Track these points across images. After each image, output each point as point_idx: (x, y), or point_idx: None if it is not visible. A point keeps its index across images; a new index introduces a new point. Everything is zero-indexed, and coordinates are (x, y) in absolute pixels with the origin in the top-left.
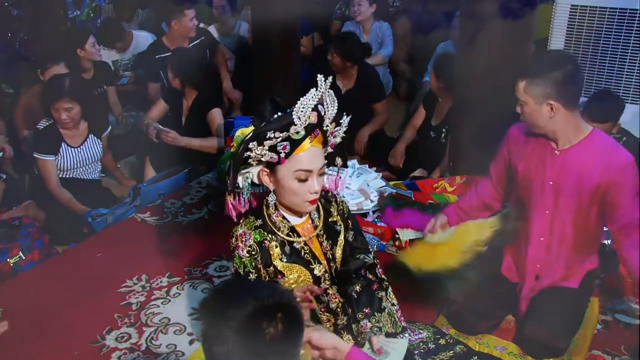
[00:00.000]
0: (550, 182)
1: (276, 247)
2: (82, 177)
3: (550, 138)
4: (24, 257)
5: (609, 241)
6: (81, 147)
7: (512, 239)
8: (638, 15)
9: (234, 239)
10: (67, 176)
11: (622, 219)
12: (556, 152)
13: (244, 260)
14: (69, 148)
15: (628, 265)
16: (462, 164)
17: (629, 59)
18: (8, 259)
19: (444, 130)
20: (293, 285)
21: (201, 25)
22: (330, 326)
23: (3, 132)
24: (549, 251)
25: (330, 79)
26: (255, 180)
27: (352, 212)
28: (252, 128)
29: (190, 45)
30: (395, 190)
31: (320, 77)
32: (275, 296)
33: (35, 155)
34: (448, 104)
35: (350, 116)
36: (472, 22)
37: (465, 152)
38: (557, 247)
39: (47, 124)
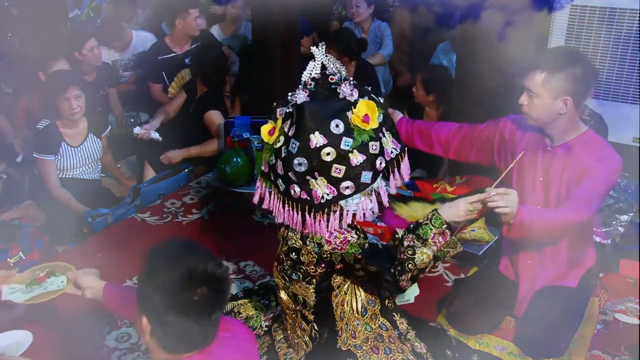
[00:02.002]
0: (540, 178)
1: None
2: (82, 177)
3: (546, 133)
4: (24, 257)
5: (609, 241)
6: (81, 146)
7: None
8: (638, 15)
9: (338, 240)
10: (67, 176)
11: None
12: (548, 148)
13: (360, 242)
14: (68, 148)
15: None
16: (462, 164)
17: (629, 59)
18: (8, 259)
19: None
20: None
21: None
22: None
23: (11, 133)
24: (540, 245)
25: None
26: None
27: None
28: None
29: (193, 46)
30: (395, 190)
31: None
32: (215, 269)
33: (35, 155)
34: (437, 113)
35: None
36: (500, 16)
37: None
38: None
39: (47, 123)
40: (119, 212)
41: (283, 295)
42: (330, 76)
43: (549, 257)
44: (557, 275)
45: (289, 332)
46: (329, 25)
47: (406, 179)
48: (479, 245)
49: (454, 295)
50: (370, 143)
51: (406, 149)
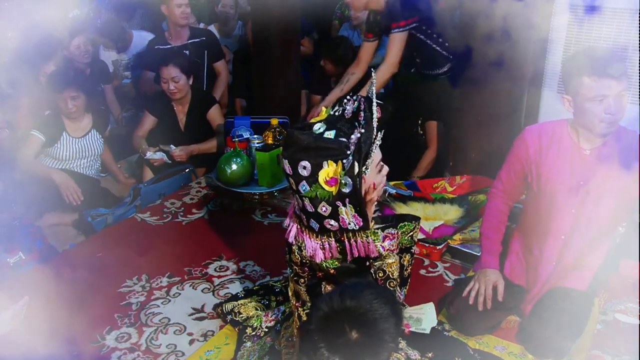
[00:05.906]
0: (581, 182)
1: None
2: (80, 170)
3: (580, 136)
4: (24, 257)
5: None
6: (81, 138)
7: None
8: (638, 15)
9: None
10: (64, 167)
11: None
12: (586, 152)
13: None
14: (69, 137)
15: None
16: (462, 164)
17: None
18: (8, 259)
19: (419, 121)
20: None
21: (201, 25)
22: None
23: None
24: (568, 248)
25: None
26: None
27: None
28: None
29: (189, 42)
30: (395, 190)
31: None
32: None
33: (31, 132)
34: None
35: None
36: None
37: (465, 152)
38: (576, 244)
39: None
40: (119, 212)
41: (289, 289)
42: (360, 113)
43: (566, 256)
44: (566, 276)
45: (292, 329)
46: (330, 24)
47: (349, 258)
48: (478, 245)
49: (454, 295)
50: (322, 202)
51: (368, 231)
